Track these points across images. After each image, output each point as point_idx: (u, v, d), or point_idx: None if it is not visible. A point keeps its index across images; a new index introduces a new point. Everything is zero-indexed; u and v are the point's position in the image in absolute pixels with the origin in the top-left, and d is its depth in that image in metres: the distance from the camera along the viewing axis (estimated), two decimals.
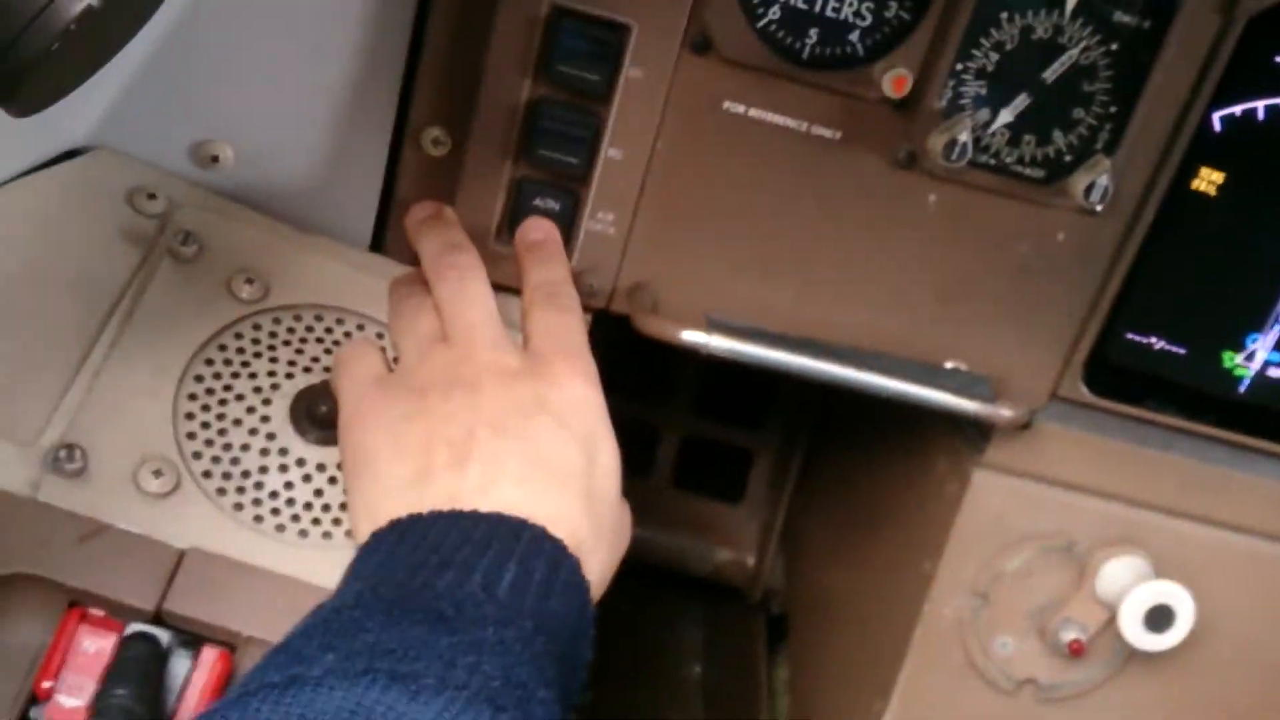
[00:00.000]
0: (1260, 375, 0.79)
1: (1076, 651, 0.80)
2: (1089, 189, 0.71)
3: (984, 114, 0.71)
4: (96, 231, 0.68)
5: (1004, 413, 0.76)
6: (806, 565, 1.09)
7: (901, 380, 0.75)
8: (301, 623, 0.52)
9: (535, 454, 0.59)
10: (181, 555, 0.61)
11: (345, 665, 0.47)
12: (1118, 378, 0.79)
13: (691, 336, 0.72)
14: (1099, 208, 0.72)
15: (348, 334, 0.70)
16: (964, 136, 0.69)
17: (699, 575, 1.14)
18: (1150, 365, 0.79)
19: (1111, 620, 0.80)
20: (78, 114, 0.67)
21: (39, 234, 0.66)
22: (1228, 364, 0.79)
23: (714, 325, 0.73)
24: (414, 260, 0.71)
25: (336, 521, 0.64)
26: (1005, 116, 0.71)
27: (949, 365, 0.77)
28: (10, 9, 0.41)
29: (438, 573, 0.52)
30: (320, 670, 0.47)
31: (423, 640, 0.49)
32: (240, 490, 0.64)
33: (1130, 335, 0.78)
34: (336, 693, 0.46)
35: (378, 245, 0.74)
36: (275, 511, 0.64)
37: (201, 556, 0.61)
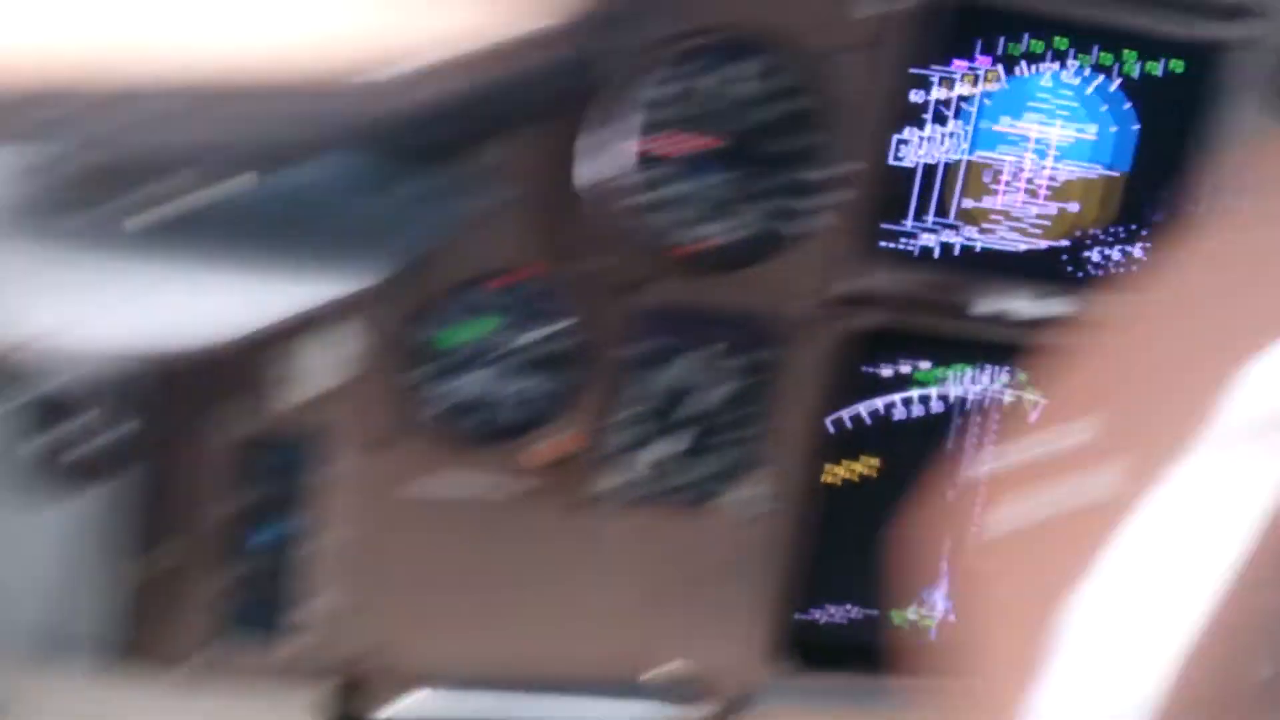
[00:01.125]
0: (944, 621, 0.90)
1: None
2: (742, 502, 0.83)
3: (643, 455, 0.83)
4: None
5: (702, 712, 0.85)
6: None
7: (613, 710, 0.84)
8: None
9: None
10: None
11: None
12: (819, 649, 0.89)
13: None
14: (754, 514, 0.84)
15: None
16: (626, 477, 0.81)
17: None
18: (845, 632, 0.89)
19: None
20: None
21: None
22: (914, 617, 0.90)
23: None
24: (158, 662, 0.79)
25: None
26: (652, 456, 0.83)
27: (657, 672, 0.87)
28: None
29: None
30: None
31: None
32: None
33: (820, 608, 0.88)
34: None
35: (119, 658, 0.80)
36: None
37: None
